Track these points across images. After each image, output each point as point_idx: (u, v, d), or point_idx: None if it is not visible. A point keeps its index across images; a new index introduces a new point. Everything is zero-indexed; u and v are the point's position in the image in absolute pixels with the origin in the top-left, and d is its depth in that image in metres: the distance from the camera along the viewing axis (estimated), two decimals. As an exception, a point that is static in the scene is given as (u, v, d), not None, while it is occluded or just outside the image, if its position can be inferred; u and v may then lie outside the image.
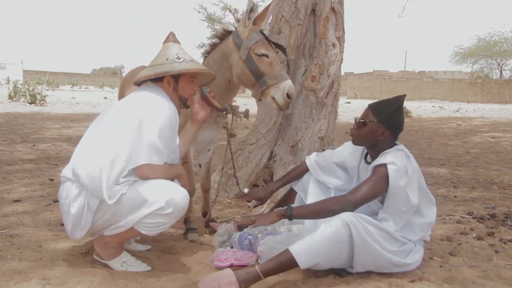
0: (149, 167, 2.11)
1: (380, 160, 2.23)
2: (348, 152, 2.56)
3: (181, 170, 2.34)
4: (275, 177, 3.77)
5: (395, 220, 2.22)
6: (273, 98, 2.45)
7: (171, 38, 2.38)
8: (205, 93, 2.60)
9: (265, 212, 3.04)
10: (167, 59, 2.26)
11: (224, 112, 2.74)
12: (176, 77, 2.29)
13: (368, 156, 2.43)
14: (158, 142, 2.10)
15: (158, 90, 2.28)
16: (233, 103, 2.84)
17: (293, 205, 2.23)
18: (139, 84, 2.36)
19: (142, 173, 2.12)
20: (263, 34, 2.53)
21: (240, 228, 2.76)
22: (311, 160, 2.66)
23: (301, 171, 2.69)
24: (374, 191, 2.17)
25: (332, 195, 2.54)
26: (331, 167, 2.60)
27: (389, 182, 2.16)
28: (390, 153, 2.24)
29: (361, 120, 2.32)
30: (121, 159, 2.07)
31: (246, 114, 2.79)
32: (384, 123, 2.27)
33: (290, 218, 2.17)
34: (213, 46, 2.70)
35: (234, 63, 2.54)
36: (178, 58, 2.26)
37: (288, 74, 2.57)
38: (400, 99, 2.33)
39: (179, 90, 2.31)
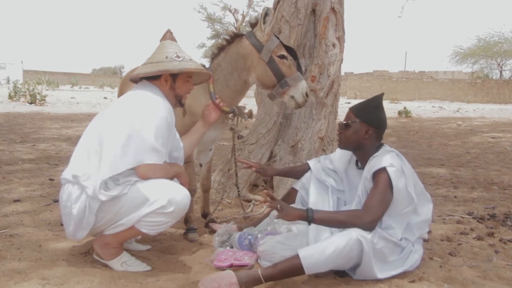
0: (148, 167, 2.12)
1: (376, 164, 2.20)
2: (338, 156, 2.60)
3: (180, 169, 2.34)
4: (275, 177, 3.78)
5: (398, 224, 2.21)
6: (292, 97, 2.61)
7: (168, 36, 2.38)
8: (213, 98, 2.63)
9: (265, 212, 3.05)
10: (166, 57, 2.26)
11: (231, 114, 2.77)
12: (174, 76, 2.30)
13: (358, 162, 2.44)
14: (155, 141, 2.10)
15: (153, 88, 2.28)
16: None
17: (314, 209, 2.13)
18: (136, 81, 2.36)
19: (142, 173, 2.13)
20: (278, 37, 2.61)
21: (240, 228, 2.77)
22: (312, 161, 2.71)
23: (303, 169, 2.71)
24: (386, 200, 2.15)
25: (330, 194, 2.56)
26: (326, 170, 2.64)
27: (392, 185, 2.15)
28: (383, 155, 2.23)
29: (344, 122, 2.35)
30: (120, 160, 2.07)
31: (250, 114, 2.83)
32: (366, 121, 2.30)
33: (310, 222, 2.09)
34: (221, 49, 2.72)
35: (254, 64, 2.61)
36: (178, 56, 2.26)
37: (303, 75, 2.69)
38: (378, 97, 2.38)
39: (176, 88, 2.32)
